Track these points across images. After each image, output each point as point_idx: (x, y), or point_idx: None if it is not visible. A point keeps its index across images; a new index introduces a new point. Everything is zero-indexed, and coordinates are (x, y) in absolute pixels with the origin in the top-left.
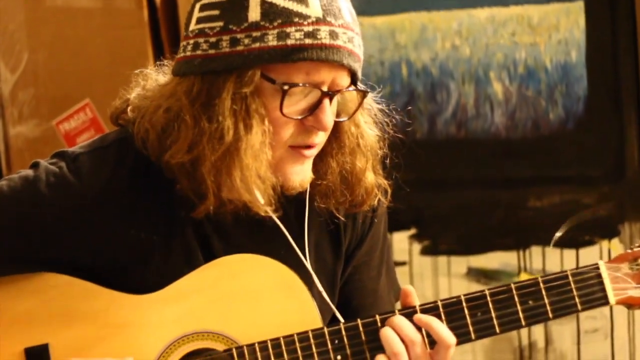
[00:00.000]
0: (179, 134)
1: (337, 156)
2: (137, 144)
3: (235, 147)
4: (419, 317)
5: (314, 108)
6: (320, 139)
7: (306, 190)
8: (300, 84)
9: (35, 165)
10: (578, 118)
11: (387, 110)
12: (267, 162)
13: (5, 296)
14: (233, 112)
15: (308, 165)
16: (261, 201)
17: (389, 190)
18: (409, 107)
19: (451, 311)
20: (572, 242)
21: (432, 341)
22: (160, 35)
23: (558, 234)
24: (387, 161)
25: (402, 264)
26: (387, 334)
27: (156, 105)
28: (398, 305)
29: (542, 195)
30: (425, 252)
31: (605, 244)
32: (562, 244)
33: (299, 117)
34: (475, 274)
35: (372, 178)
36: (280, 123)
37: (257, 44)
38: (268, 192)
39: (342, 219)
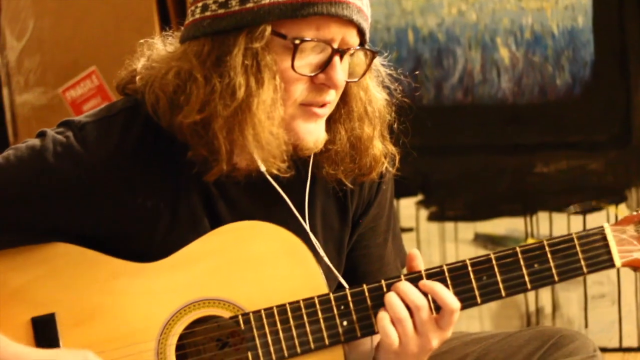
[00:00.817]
0: (190, 95)
1: (346, 122)
2: (147, 111)
3: (247, 103)
4: (424, 282)
5: (325, 65)
6: (331, 97)
7: (310, 157)
8: (311, 39)
9: (42, 135)
10: (585, 83)
11: (395, 75)
12: (279, 118)
13: (10, 266)
14: (245, 68)
15: (321, 125)
16: (273, 160)
17: (397, 157)
18: (417, 72)
19: (456, 275)
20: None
21: (437, 307)
22: (166, 4)
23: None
24: (395, 127)
25: (409, 230)
26: (392, 299)
27: (166, 69)
28: (404, 272)
29: (549, 161)
30: (432, 218)
31: (612, 209)
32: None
33: (310, 74)
34: (483, 239)
35: (380, 145)
36: (292, 80)
37: (267, 0)
38: (281, 149)
39: (350, 185)
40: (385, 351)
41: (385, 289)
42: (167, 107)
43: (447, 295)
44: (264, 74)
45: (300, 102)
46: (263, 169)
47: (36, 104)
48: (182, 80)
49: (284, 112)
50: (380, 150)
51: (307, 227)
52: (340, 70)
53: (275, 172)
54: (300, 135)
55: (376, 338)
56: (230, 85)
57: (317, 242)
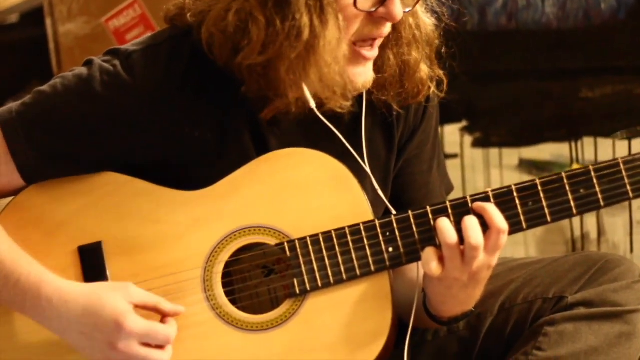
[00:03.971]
0: (251, 36)
1: (395, 48)
2: (195, 43)
3: (312, 44)
4: (476, 204)
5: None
6: (386, 30)
7: (364, 93)
8: None
9: (88, 63)
10: (630, 7)
11: None
12: (343, 58)
13: (57, 196)
14: (308, 8)
15: (370, 66)
16: (337, 98)
17: (445, 81)
18: None
19: (502, 201)
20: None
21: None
22: None
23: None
24: (443, 51)
25: (454, 156)
26: (443, 224)
27: (224, 8)
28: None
29: (594, 86)
30: (476, 144)
31: None
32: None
33: (371, 10)
34: (527, 165)
35: (427, 69)
36: (351, 17)
37: None
38: (345, 88)
39: (398, 110)
40: (430, 280)
41: (430, 215)
42: (225, 47)
43: (497, 215)
44: (328, 13)
45: (355, 40)
46: (313, 105)
47: (79, 33)
48: (242, 21)
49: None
50: (427, 73)
51: (365, 158)
52: (399, 2)
53: (338, 110)
54: (352, 78)
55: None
56: (295, 26)
57: (372, 174)
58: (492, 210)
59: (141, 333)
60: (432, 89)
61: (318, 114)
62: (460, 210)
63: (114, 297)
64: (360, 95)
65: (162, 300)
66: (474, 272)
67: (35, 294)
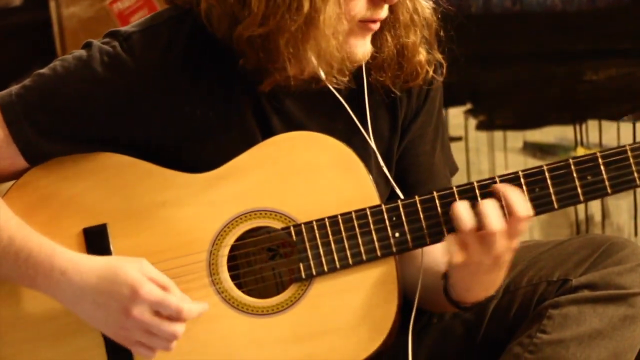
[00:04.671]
0: (251, 7)
1: (392, 30)
2: (195, 21)
3: (312, 18)
4: (498, 186)
5: None
6: (385, 13)
7: (362, 67)
8: None
9: (88, 45)
10: None
11: None
12: (343, 33)
13: (61, 176)
14: None
15: (369, 38)
16: (334, 73)
17: (445, 64)
18: None
19: (484, 193)
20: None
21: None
22: None
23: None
24: (442, 34)
25: (458, 139)
26: (459, 210)
27: None
28: (454, 182)
29: (599, 69)
30: (481, 127)
31: None
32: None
33: None
34: (532, 148)
35: (425, 53)
36: None
37: None
38: (343, 63)
39: (398, 93)
40: (455, 267)
41: (437, 200)
42: (224, 18)
43: (519, 200)
44: None
45: (359, 19)
46: (323, 76)
47: (83, 16)
48: None
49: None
50: (426, 57)
51: (371, 136)
52: None
53: (335, 85)
54: (352, 50)
55: (433, 252)
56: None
57: (377, 151)
58: (514, 196)
59: (156, 301)
60: (431, 72)
61: (331, 87)
62: (470, 195)
63: (129, 267)
64: (361, 74)
65: (173, 285)
66: (496, 255)
67: (48, 266)
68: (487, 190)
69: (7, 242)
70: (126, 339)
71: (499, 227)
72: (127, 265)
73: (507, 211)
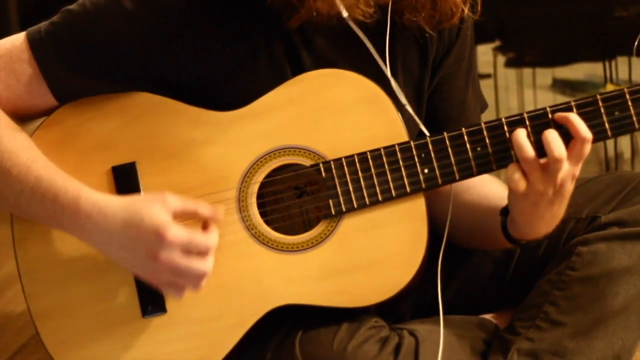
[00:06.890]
0: None
1: None
2: None
3: None
4: (557, 115)
5: None
6: None
7: (389, 4)
8: None
9: None
10: None
11: None
12: None
13: (89, 115)
14: None
15: None
16: (358, 4)
17: (479, 1)
18: None
19: (537, 124)
20: None
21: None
22: None
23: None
24: None
25: (487, 76)
26: (519, 139)
27: None
28: (484, 118)
29: (628, 5)
30: (509, 64)
31: None
32: None
33: None
34: (561, 85)
35: None
36: None
37: None
38: None
39: (430, 32)
40: (516, 199)
41: (465, 137)
42: None
43: (581, 124)
44: None
45: None
46: (345, 14)
47: None
48: None
49: None
50: None
51: (388, 72)
52: None
53: (360, 17)
54: None
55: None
56: None
57: (399, 89)
58: (576, 120)
59: (182, 243)
60: (466, 10)
61: (352, 23)
62: (499, 132)
63: (153, 207)
64: (386, 13)
65: (202, 203)
66: (558, 184)
67: (74, 210)
68: (514, 127)
69: (35, 182)
70: (155, 279)
71: (564, 153)
72: (150, 206)
73: (573, 133)
